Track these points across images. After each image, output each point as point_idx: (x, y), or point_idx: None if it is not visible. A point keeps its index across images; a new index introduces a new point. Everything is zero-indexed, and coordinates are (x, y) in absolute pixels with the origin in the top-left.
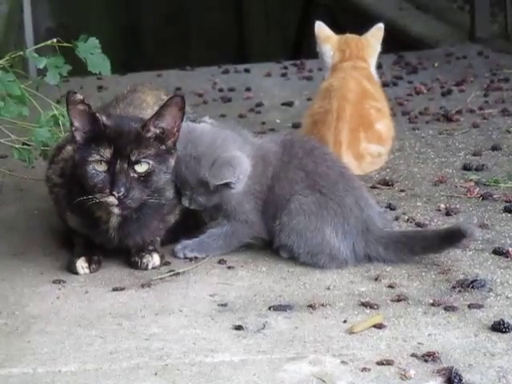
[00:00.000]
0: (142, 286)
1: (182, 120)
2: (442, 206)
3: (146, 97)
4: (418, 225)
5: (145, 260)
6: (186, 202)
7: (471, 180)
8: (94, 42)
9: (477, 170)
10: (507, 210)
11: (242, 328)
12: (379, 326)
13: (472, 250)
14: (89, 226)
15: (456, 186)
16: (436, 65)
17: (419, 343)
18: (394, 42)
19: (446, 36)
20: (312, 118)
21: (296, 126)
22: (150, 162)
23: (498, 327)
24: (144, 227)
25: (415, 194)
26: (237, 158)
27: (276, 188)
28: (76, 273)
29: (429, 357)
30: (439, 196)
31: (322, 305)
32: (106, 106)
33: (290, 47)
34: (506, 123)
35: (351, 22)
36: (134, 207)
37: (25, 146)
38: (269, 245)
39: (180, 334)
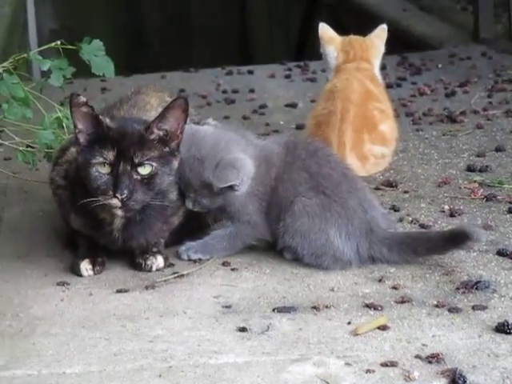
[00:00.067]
0: (146, 287)
1: (186, 122)
2: (446, 207)
3: (149, 99)
4: (422, 226)
5: (149, 262)
6: (189, 204)
7: (475, 181)
8: (97, 44)
9: (481, 171)
10: (511, 212)
11: (246, 330)
12: (383, 328)
13: (476, 251)
14: (92, 227)
15: (460, 188)
16: (440, 66)
17: (423, 344)
18: (398, 43)
19: (450, 37)
20: (315, 119)
21: (300, 127)
22: (154, 164)
23: (502, 328)
24: (148, 229)
25: (419, 196)
26: (240, 159)
27: (279, 189)
28: (80, 275)
29: (433, 358)
30: (443, 197)
31: (326, 306)
32: (109, 107)
33: (293, 48)
34: (510, 124)
35: (355, 22)
36: (138, 209)
37: (29, 149)
38: (272, 246)
39: (184, 336)
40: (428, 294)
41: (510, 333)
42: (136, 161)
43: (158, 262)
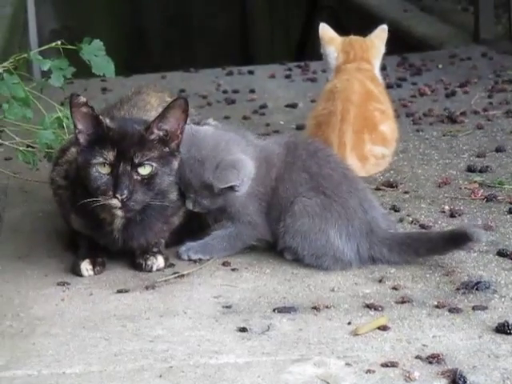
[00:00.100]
0: (147, 287)
1: (186, 122)
2: (446, 207)
3: (150, 99)
4: (422, 226)
5: (149, 262)
6: (189, 205)
7: (475, 182)
8: (98, 44)
9: (481, 171)
10: None
11: (247, 330)
12: (383, 328)
13: (476, 251)
14: (93, 227)
15: (460, 188)
16: (440, 66)
17: (423, 345)
18: (398, 44)
19: (450, 37)
20: (316, 119)
21: (300, 127)
22: (154, 164)
23: (503, 329)
24: (148, 229)
25: (419, 196)
26: (241, 160)
27: (280, 190)
28: (80, 275)
29: (433, 359)
30: (443, 198)
31: (327, 307)
32: (110, 108)
33: (293, 48)
34: (511, 125)
35: (355, 23)
36: (138, 209)
37: (29, 149)
38: (273, 247)
39: (184, 336)
40: (428, 295)
41: (510, 333)
42: (136, 161)
43: (159, 262)
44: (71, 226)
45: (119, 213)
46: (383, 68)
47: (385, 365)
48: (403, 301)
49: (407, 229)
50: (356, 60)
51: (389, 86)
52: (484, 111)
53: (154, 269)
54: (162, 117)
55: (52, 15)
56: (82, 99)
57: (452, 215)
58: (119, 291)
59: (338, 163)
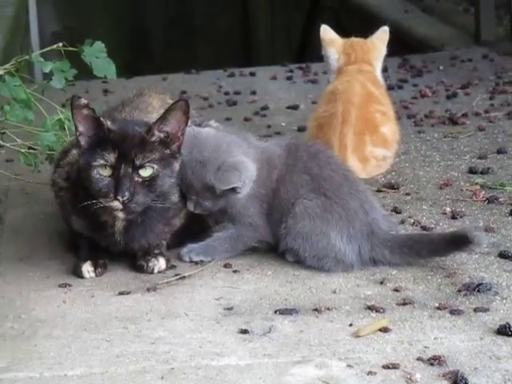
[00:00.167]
0: (148, 289)
1: (187, 124)
2: (448, 209)
3: (151, 100)
4: (424, 228)
5: (151, 264)
6: (191, 207)
7: (477, 183)
8: (99, 46)
9: (482, 173)
10: None
11: (248, 332)
12: (385, 330)
13: (478, 253)
14: (94, 229)
15: (461, 190)
16: (441, 68)
17: (425, 347)
18: (399, 45)
19: (452, 39)
20: (317, 121)
21: (301, 129)
22: (155, 166)
23: (504, 331)
24: (149, 231)
25: (421, 198)
26: (242, 162)
27: (281, 191)
28: (82, 277)
29: (435, 360)
30: (445, 199)
31: (328, 308)
32: (111, 110)
33: (295, 50)
34: None
35: (356, 24)
36: (139, 211)
37: (31, 151)
38: (274, 249)
39: (186, 338)
40: (430, 296)
41: (511, 335)
42: (137, 163)
43: (160, 263)
44: (72, 228)
45: (120, 215)
46: (384, 69)
47: (386, 366)
48: (404, 302)
49: (408, 230)
50: (357, 62)
51: (390, 88)
52: (485, 113)
53: (156, 271)
54: (163, 119)
55: (53, 17)
56: (84, 101)
57: (453, 217)
58: (121, 293)
59: (339, 165)
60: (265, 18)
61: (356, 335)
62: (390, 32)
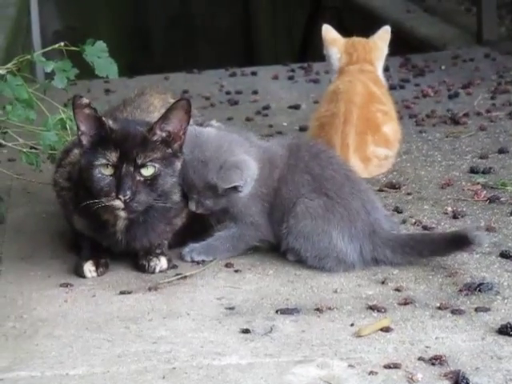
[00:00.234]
0: (150, 289)
1: (188, 123)
2: (449, 209)
3: (153, 100)
4: (425, 228)
5: (152, 263)
6: (193, 206)
7: (478, 183)
8: (101, 45)
9: (484, 172)
10: None
11: (250, 331)
12: (386, 330)
13: (479, 253)
14: (96, 229)
15: (463, 189)
16: (443, 67)
17: (426, 346)
18: (401, 45)
19: (453, 38)
20: (319, 121)
21: (303, 129)
22: (156, 165)
23: (505, 330)
24: (151, 230)
25: (422, 197)
26: (244, 161)
27: (282, 191)
28: (83, 276)
29: (436, 360)
30: (446, 199)
31: (330, 308)
32: (113, 109)
33: (297, 49)
34: None
35: (358, 24)
36: (141, 210)
37: (32, 150)
38: (276, 248)
39: (187, 338)
40: (431, 296)
41: None
42: (139, 162)
43: (162, 263)
44: (74, 227)
45: (122, 214)
46: (386, 69)
47: (388, 366)
48: (406, 302)
49: (410, 230)
50: (359, 61)
51: (392, 87)
52: (487, 112)
53: (157, 270)
54: (164, 118)
55: (55, 16)
56: (85, 101)
57: (455, 216)
58: (122, 292)
59: (341, 165)
60: (266, 17)
61: (357, 335)
62: (392, 31)
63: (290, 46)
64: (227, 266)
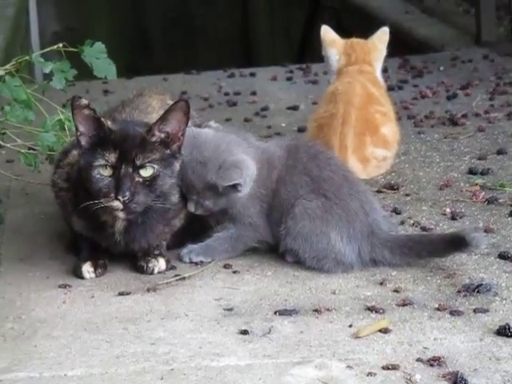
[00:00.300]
0: (148, 290)
1: (187, 124)
2: (448, 210)
3: (151, 101)
4: (424, 229)
5: (151, 264)
6: (192, 207)
7: (477, 184)
8: (99, 46)
9: (482, 174)
10: None
11: (248, 332)
12: (385, 331)
13: (477, 254)
14: (94, 230)
15: (461, 190)
16: (441, 68)
17: (425, 348)
18: (400, 46)
19: (452, 39)
20: (317, 122)
21: (301, 130)
22: (155, 166)
23: (504, 331)
24: (149, 231)
25: (420, 198)
26: (243, 160)
27: (281, 192)
28: (82, 277)
29: (434, 361)
30: (444, 200)
31: (328, 309)
32: (112, 110)
33: (295, 50)
34: None
35: (356, 24)
36: (139, 211)
37: (31, 151)
38: (274, 249)
39: (186, 339)
40: (429, 297)
41: (511, 336)
42: (138, 163)
43: (160, 264)
44: (73, 228)
45: (121, 215)
46: (384, 70)
47: (386, 367)
48: (404, 303)
49: (408, 231)
50: (358, 62)
51: (390, 89)
52: (485, 113)
53: (156, 271)
54: (163, 119)
55: (54, 17)
56: (84, 101)
57: (453, 218)
58: (121, 293)
59: (339, 166)
60: (265, 18)
61: (356, 336)
62: (391, 32)
63: (289, 46)
64: (226, 267)
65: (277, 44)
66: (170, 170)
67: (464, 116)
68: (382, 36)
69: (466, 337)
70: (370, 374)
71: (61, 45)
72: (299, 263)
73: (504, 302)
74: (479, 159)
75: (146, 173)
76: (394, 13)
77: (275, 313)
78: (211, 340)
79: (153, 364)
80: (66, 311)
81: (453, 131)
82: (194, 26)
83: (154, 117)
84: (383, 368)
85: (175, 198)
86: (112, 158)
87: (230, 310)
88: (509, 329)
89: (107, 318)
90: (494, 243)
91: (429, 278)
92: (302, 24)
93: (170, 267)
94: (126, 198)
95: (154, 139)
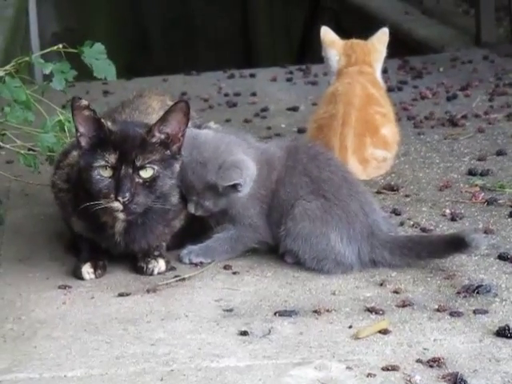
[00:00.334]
0: (148, 291)
1: (187, 125)
2: (447, 211)
3: (151, 102)
4: (423, 230)
5: (150, 265)
6: (192, 209)
7: (476, 185)
8: (99, 47)
9: (482, 174)
10: None
11: (248, 333)
12: (384, 332)
13: (477, 255)
14: (94, 230)
15: (461, 191)
16: (441, 69)
17: (424, 349)
18: (399, 47)
19: (452, 40)
20: (317, 123)
21: (301, 130)
22: (155, 167)
23: (503, 332)
24: (149, 232)
25: (420, 199)
26: (243, 160)
27: (281, 193)
28: (82, 278)
29: (434, 362)
30: (444, 201)
31: (328, 310)
32: (111, 111)
33: (295, 51)
34: None
35: (356, 25)
36: (139, 212)
37: (30, 152)
38: (274, 250)
39: (186, 339)
40: (429, 298)
41: (510, 337)
42: (138, 164)
43: (160, 265)
44: (72, 229)
45: (121, 216)
46: (384, 71)
47: (386, 368)
48: (404, 304)
49: (408, 232)
50: (357, 63)
51: (390, 89)
52: (485, 114)
53: (156, 272)
54: (163, 120)
55: (54, 18)
56: (84, 102)
57: (453, 219)
58: (120, 294)
59: (339, 167)
60: (265, 18)
61: (356, 337)
62: (390, 33)
63: (289, 46)
64: (225, 267)
65: (277, 44)
66: (170, 171)
67: (464, 117)
68: (382, 37)
69: (466, 338)
70: (369, 374)
71: (61, 45)
72: (299, 264)
73: (504, 302)
74: (479, 160)
75: (146, 174)
76: (394, 14)
77: (275, 314)
78: (211, 341)
79: (153, 365)
80: (65, 312)
81: (452, 132)
82: (193, 26)
83: (153, 118)
84: (383, 369)
85: (175, 198)
86: (112, 158)
87: (230, 310)
88: (508, 330)
89: (107, 319)
90: (494, 244)
91: (428, 279)
92: (302, 24)
93: (169, 268)
94: (126, 198)
95: (154, 140)
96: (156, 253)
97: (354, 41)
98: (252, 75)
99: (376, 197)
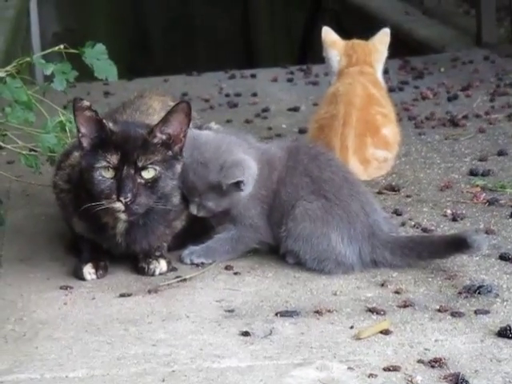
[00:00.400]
0: (149, 291)
1: (189, 126)
2: (449, 211)
3: (152, 103)
4: (425, 230)
5: (152, 266)
6: (194, 209)
7: (477, 185)
8: (100, 47)
9: (483, 175)
10: None
11: (249, 334)
12: (386, 332)
13: (478, 255)
14: (95, 231)
15: (462, 192)
16: (442, 70)
17: (426, 349)
18: (400, 47)
19: (452, 41)
20: (318, 123)
21: (302, 131)
22: (157, 167)
23: (505, 333)
24: (151, 233)
25: (421, 200)
26: (244, 160)
27: (281, 193)
28: (83, 279)
29: (435, 363)
30: (445, 201)
31: (329, 310)
32: (113, 111)
33: (296, 51)
34: None
35: (357, 26)
36: (141, 213)
37: (32, 152)
38: (275, 250)
39: (187, 340)
40: (430, 299)
41: None
42: (139, 165)
43: (161, 266)
44: (74, 230)
45: (123, 216)
46: (385, 71)
47: (387, 369)
48: (405, 305)
49: (409, 232)
50: (358, 64)
51: (391, 90)
52: (486, 115)
53: (157, 273)
54: (165, 120)
55: (54, 18)
56: (86, 103)
57: (454, 219)
58: (122, 295)
59: (340, 167)
60: (265, 18)
61: (357, 337)
62: (391, 34)
63: (290, 46)
64: (227, 268)
65: (277, 44)
66: (172, 172)
67: (465, 117)
68: (383, 37)
69: (467, 338)
70: (370, 375)
71: (62, 46)
72: (300, 264)
73: (505, 303)
74: (480, 160)
75: (148, 174)
76: (395, 14)
77: (276, 314)
78: (212, 341)
79: (154, 366)
80: (67, 313)
81: (453, 132)
82: (193, 26)
83: (155, 118)
84: (384, 369)
85: (176, 199)
86: (114, 159)
87: (231, 311)
88: (510, 330)
89: (108, 320)
90: (495, 244)
91: (430, 280)
92: (303, 24)
93: (171, 269)
94: (128, 199)
95: (155, 141)
96: (157, 253)
97: (355, 41)
98: (253, 76)
99: (377, 197)
